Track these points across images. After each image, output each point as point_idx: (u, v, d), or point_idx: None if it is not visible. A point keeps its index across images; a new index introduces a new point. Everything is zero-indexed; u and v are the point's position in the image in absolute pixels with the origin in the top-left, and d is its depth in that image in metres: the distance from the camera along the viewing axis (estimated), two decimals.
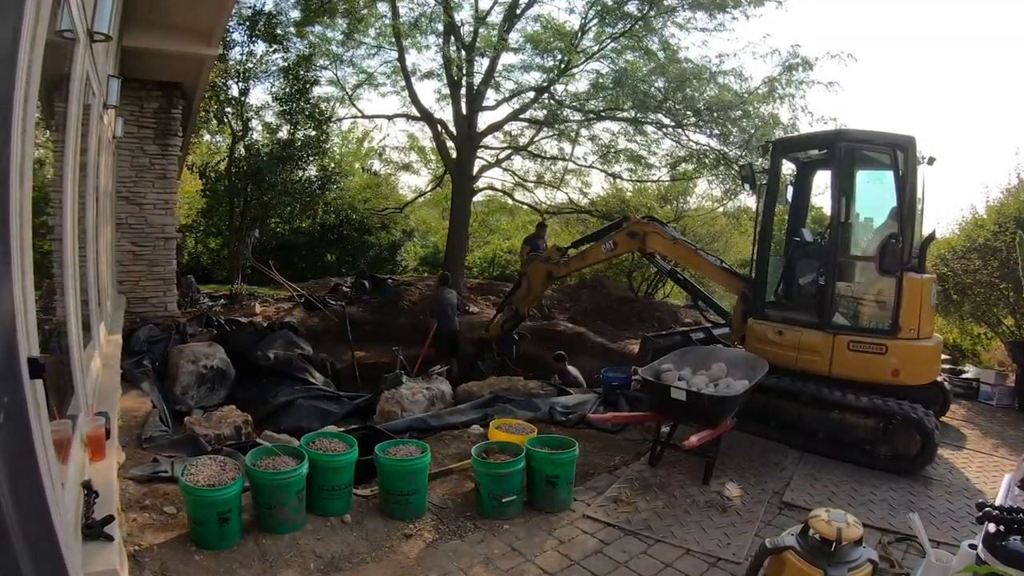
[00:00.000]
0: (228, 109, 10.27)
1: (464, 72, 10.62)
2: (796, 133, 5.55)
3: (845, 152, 4.84)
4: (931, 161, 4.85)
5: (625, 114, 10.52)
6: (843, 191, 4.98)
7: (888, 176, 4.78)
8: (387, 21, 10.86)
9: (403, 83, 11.49)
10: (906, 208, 4.62)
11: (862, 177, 5.36)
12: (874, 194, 5.21)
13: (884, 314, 4.65)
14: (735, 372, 4.46)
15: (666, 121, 10.37)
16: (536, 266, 7.15)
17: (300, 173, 10.81)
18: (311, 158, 10.87)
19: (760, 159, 5.60)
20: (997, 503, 2.09)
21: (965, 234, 7.99)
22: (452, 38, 10.74)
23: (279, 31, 10.12)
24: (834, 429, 4.58)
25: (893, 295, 4.56)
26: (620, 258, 14.86)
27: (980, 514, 2.01)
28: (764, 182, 5.40)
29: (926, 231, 5.12)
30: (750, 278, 5.53)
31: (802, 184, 5.86)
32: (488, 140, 12.08)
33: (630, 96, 9.71)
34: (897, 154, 4.62)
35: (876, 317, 4.72)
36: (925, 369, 4.68)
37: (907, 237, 4.57)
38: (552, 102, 11.06)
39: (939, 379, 5.38)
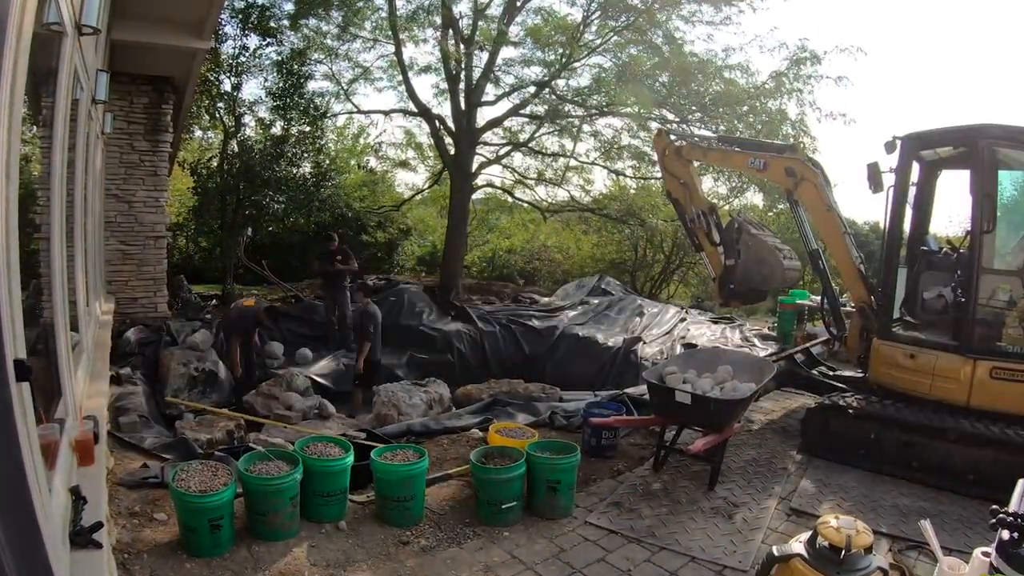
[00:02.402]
0: (220, 104, 10.14)
1: (463, 66, 10.51)
2: (928, 128, 4.64)
3: (988, 149, 4.20)
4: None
5: (628, 109, 10.43)
6: (985, 194, 4.26)
7: None
8: (383, 14, 10.75)
9: (400, 78, 11.34)
10: None
11: (1005, 178, 4.65)
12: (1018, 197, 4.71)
13: None
14: (742, 375, 4.30)
15: (671, 117, 10.28)
16: (668, 160, 6.15)
17: (294, 170, 10.68)
18: (305, 155, 10.75)
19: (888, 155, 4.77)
20: (1011, 509, 2.05)
21: None
22: (450, 31, 10.63)
23: (272, 24, 9.99)
24: (989, 469, 3.90)
25: None
26: (624, 256, 14.79)
27: (994, 520, 1.98)
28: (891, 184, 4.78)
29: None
30: (877, 290, 5.00)
31: (927, 186, 5.26)
32: (487, 136, 11.97)
33: (633, 92, 9.60)
34: None
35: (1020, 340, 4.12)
36: None
37: None
38: (553, 97, 10.95)
39: None
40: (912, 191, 5.08)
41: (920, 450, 4.17)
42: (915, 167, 5.08)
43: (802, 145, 7.28)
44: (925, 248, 4.93)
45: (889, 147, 4.84)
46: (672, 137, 6.39)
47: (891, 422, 4.25)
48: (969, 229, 4.46)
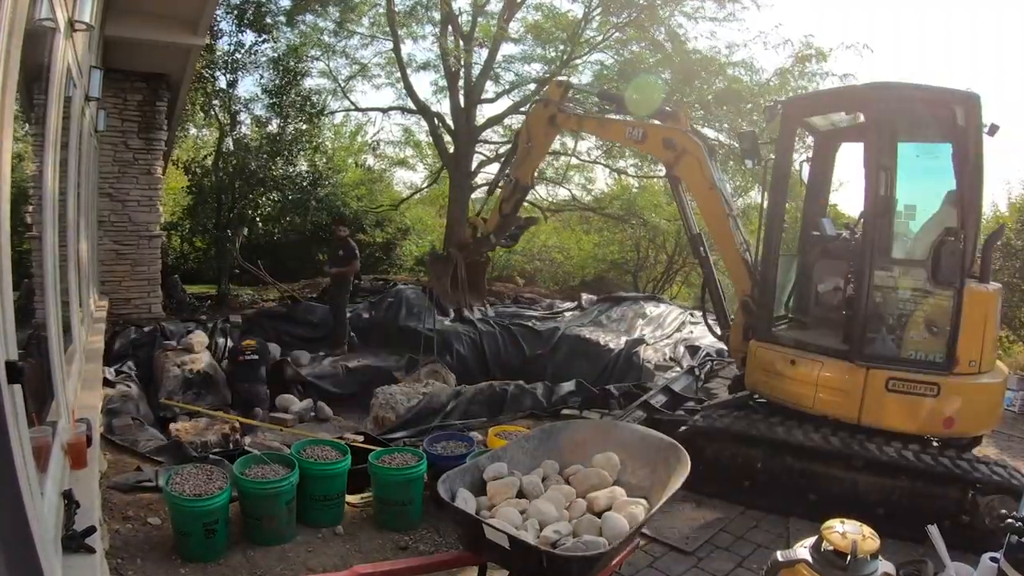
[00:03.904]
0: (215, 102, 10.06)
1: (462, 63, 10.45)
2: (815, 90, 4.00)
3: (885, 115, 3.53)
4: (993, 130, 3.52)
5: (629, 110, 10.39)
6: (882, 169, 3.55)
7: (943, 149, 3.63)
8: (381, 10, 10.70)
9: (398, 75, 11.30)
10: (968, 192, 3.48)
11: (907, 151, 3.85)
12: (923, 173, 3.95)
13: (935, 341, 3.45)
14: (637, 468, 2.69)
15: None
16: (537, 111, 5.60)
17: (291, 169, 10.62)
18: (302, 153, 10.68)
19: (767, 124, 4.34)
20: (1019, 514, 2.04)
21: (985, 232, 7.93)
22: (450, 28, 10.57)
23: (268, 20, 9.94)
24: (899, 502, 3.37)
25: (948, 315, 3.39)
26: (626, 256, 14.72)
27: (1001, 525, 1.97)
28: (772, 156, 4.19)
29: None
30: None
31: (823, 160, 4.64)
32: (487, 134, 11.92)
33: (640, 85, 9.53)
34: (957, 117, 3.46)
35: (923, 346, 3.50)
36: (987, 416, 3.56)
37: (970, 233, 3.44)
38: None
39: None
40: (806, 168, 4.62)
41: (819, 480, 3.51)
42: (810, 141, 4.51)
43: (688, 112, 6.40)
44: (818, 233, 4.20)
45: (770, 113, 4.26)
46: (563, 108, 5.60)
47: (782, 446, 3.57)
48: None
